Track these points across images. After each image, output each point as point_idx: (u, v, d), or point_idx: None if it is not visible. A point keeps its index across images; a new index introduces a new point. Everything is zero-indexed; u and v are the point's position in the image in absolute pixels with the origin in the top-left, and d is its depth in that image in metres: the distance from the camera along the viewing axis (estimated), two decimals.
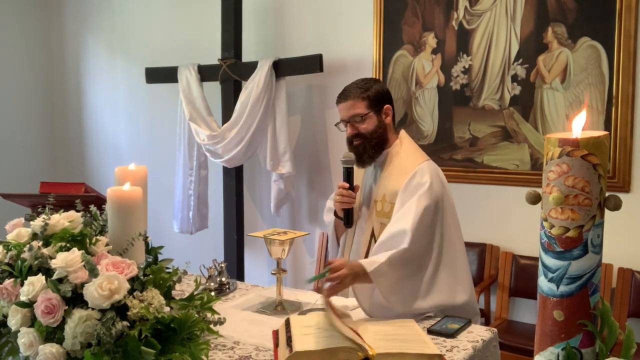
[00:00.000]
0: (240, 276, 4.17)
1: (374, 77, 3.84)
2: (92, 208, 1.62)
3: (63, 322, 1.30)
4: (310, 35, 4.13)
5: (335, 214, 2.26)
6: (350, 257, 2.23)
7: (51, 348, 1.29)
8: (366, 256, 2.14)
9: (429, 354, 1.47)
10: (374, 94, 2.19)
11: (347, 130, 2.21)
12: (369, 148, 2.18)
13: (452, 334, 1.72)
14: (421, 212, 1.99)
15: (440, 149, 3.72)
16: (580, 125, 1.00)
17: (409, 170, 2.11)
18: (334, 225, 2.33)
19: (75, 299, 1.32)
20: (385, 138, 2.21)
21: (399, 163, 2.19)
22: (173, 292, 1.49)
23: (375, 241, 2.09)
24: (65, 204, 1.72)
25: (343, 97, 2.20)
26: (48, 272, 1.38)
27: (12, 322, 1.35)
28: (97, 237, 1.50)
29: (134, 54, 5.11)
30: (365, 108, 2.16)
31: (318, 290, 1.94)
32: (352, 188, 2.18)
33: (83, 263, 1.35)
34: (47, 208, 1.58)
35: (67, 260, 1.34)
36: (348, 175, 2.17)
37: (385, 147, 2.22)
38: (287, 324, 1.65)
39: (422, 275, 1.99)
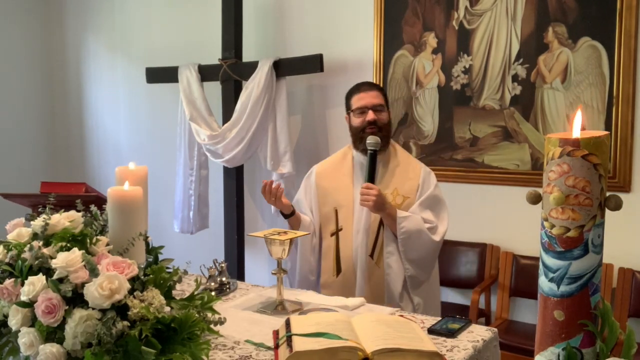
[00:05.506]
0: (240, 276, 4.16)
1: (374, 77, 3.85)
2: (93, 208, 1.62)
3: (63, 322, 1.30)
4: (311, 35, 4.13)
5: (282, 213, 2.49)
6: (359, 239, 2.40)
7: (52, 348, 1.29)
8: (376, 238, 2.38)
9: (428, 352, 1.47)
10: (386, 95, 2.54)
11: (366, 116, 2.40)
12: (382, 138, 2.38)
13: (452, 334, 1.72)
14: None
15: (440, 149, 3.71)
16: (579, 124, 1.00)
17: (416, 169, 2.45)
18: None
19: (76, 299, 1.33)
20: (390, 134, 2.49)
21: (402, 162, 2.47)
22: (173, 292, 1.49)
23: (383, 226, 2.37)
24: (65, 204, 1.72)
25: (368, 86, 2.50)
26: (48, 272, 1.38)
27: (13, 322, 1.35)
28: (98, 237, 1.50)
29: (135, 54, 5.10)
30: (384, 102, 2.47)
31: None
32: (375, 172, 2.34)
33: (83, 263, 1.35)
34: (47, 208, 1.58)
35: (67, 260, 1.34)
36: (373, 158, 2.33)
37: (389, 143, 2.47)
38: (287, 324, 1.65)
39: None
